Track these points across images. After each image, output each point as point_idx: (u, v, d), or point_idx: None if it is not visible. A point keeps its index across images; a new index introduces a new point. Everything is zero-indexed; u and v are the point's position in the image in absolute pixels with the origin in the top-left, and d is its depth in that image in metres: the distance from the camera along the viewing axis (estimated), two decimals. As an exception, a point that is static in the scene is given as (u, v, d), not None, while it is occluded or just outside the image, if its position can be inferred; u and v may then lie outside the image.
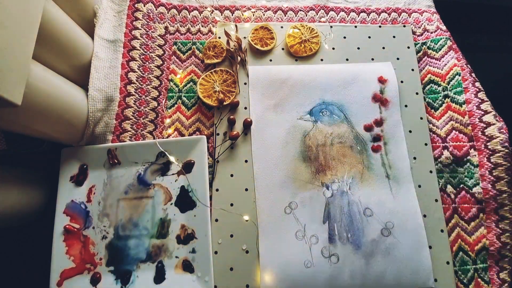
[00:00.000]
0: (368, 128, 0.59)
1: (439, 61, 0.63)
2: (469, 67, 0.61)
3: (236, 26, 0.65)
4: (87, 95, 0.54)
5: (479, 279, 0.52)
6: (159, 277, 0.51)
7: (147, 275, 0.51)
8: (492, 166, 0.55)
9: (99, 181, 0.55)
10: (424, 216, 0.54)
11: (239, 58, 0.62)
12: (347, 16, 0.68)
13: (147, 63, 0.61)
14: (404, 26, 0.66)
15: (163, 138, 0.58)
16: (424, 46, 0.65)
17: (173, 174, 0.55)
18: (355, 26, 0.66)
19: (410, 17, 0.68)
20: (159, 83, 0.61)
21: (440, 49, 0.64)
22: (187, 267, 0.51)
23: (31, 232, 0.56)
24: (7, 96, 0.35)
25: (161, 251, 0.52)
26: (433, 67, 0.63)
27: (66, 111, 0.49)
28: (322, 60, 0.64)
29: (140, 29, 0.63)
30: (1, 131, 0.58)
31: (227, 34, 0.63)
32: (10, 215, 0.51)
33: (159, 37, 0.64)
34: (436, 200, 0.55)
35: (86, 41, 0.57)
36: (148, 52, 0.62)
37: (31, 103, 0.42)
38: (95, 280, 0.50)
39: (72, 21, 0.54)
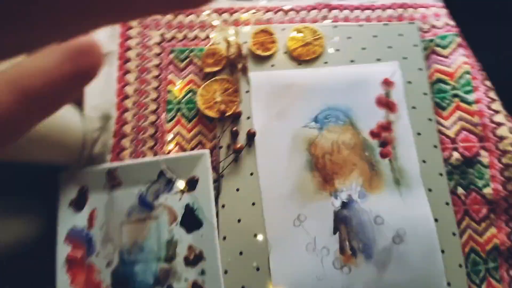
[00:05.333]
0: (375, 133, 0.57)
1: (448, 58, 0.60)
2: (479, 65, 0.59)
3: (235, 30, 0.61)
4: (82, 114, 0.52)
5: (490, 279, 0.52)
6: (169, 301, 0.49)
7: (156, 300, 0.49)
8: (503, 167, 0.53)
9: (100, 204, 0.52)
10: (436, 220, 0.53)
11: (240, 65, 0.59)
12: (351, 14, 0.65)
13: (144, 74, 0.58)
14: (411, 22, 0.63)
15: (164, 154, 0.55)
16: (432, 43, 0.62)
17: (176, 192, 0.53)
18: (360, 25, 0.63)
19: (416, 12, 0.65)
20: (157, 95, 0.58)
21: (448, 46, 0.61)
22: (198, 289, 0.50)
23: (33, 262, 0.54)
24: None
25: (169, 275, 0.50)
26: (441, 65, 0.61)
27: (60, 133, 0.47)
28: (326, 62, 0.61)
29: (135, 38, 0.59)
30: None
31: (226, 40, 0.59)
32: (9, 245, 0.49)
33: (155, 46, 0.60)
34: (447, 203, 0.54)
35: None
36: (145, 62, 0.59)
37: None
38: (103, 308, 0.49)
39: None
